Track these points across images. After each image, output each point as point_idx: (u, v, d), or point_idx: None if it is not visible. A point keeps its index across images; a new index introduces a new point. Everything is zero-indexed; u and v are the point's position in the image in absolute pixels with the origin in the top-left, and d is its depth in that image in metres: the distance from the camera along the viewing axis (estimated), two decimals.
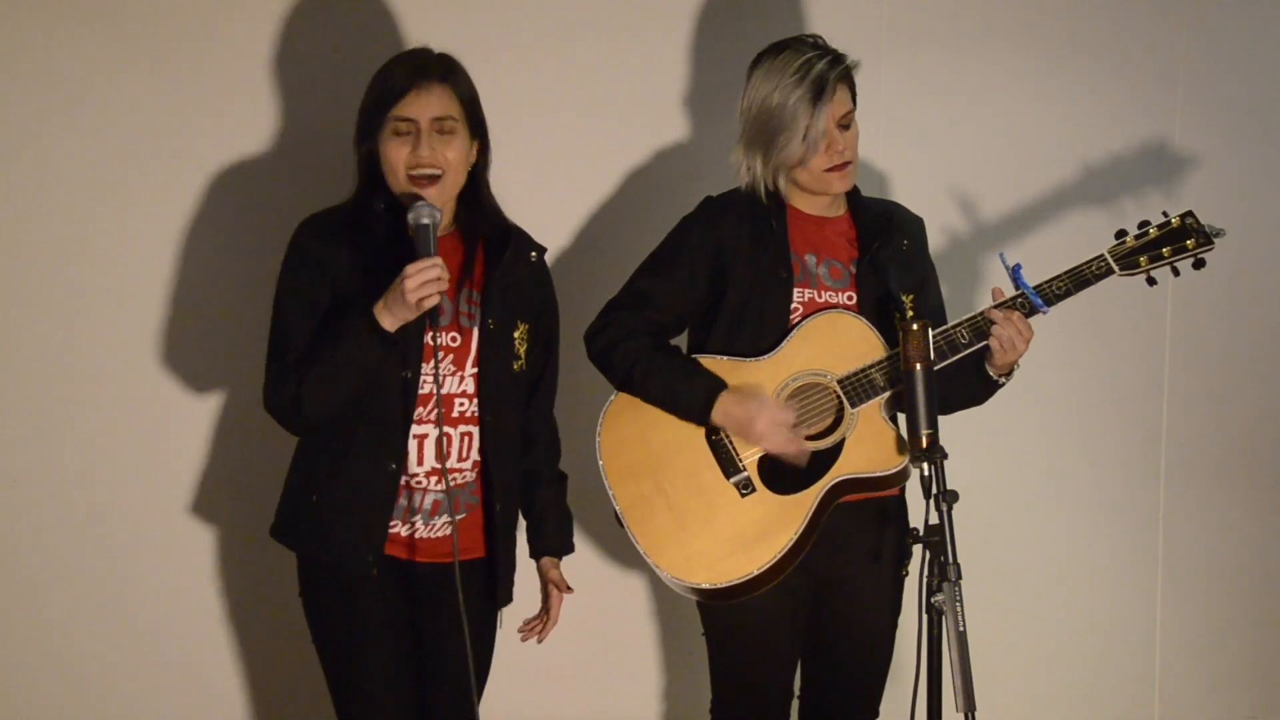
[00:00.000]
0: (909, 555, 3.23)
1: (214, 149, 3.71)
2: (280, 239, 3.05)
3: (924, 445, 2.84)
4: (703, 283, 3.21)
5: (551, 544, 3.21)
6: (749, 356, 3.18)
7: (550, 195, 3.76)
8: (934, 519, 2.79)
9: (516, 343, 3.09)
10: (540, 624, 3.21)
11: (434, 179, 2.96)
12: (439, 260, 2.85)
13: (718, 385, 3.13)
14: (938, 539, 2.78)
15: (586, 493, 3.31)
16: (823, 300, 3.20)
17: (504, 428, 3.08)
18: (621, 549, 3.68)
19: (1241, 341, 4.21)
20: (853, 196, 3.29)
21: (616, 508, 3.18)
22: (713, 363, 3.18)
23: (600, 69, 3.86)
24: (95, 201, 3.66)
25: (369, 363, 2.89)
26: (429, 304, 2.84)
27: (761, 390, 3.13)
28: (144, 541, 3.72)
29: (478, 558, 3.08)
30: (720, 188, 3.30)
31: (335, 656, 3.02)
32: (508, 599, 3.13)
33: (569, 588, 3.19)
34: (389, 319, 2.85)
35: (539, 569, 3.21)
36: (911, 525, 2.84)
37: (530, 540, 3.22)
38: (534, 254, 3.14)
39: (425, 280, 2.82)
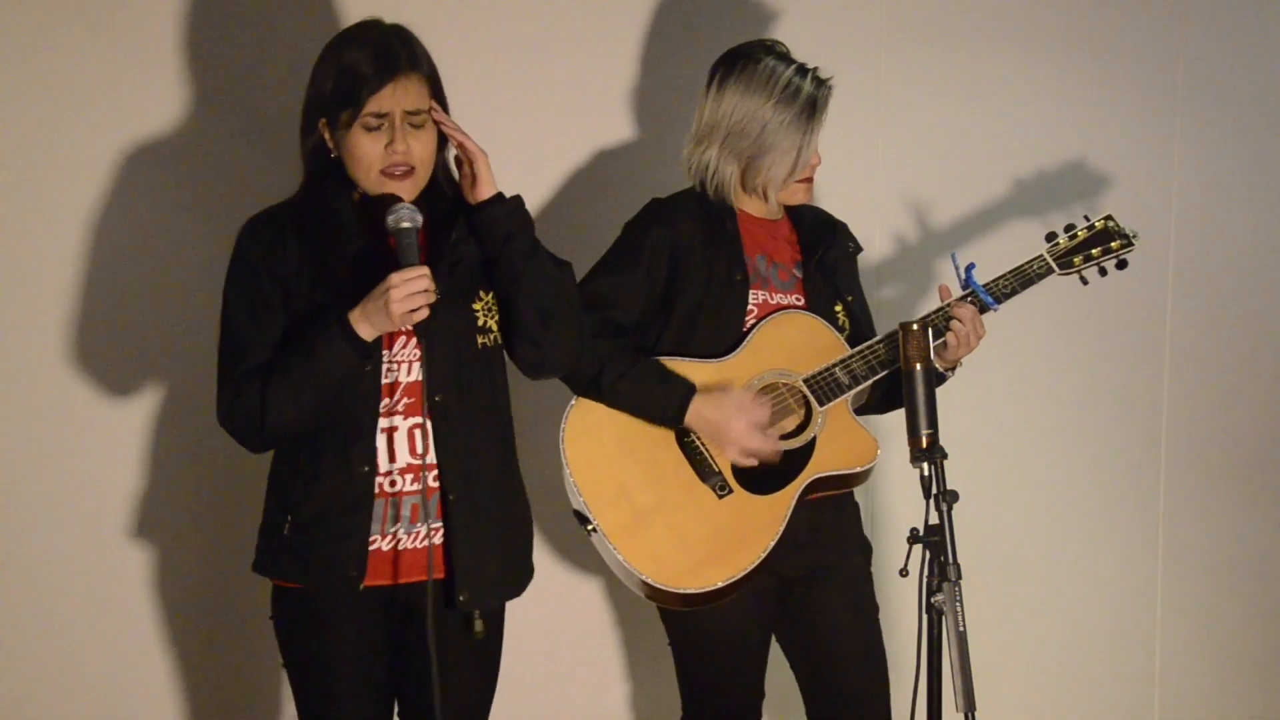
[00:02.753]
0: (870, 548, 3.29)
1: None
2: (214, 228, 2.83)
3: (924, 445, 2.83)
4: (660, 283, 3.17)
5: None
6: (705, 358, 3.15)
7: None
8: (934, 519, 2.79)
9: (480, 314, 2.83)
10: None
11: (408, 172, 2.76)
12: (425, 270, 2.65)
13: (689, 389, 3.10)
14: (938, 539, 2.77)
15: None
16: (775, 302, 3.20)
17: (462, 410, 2.80)
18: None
19: (1241, 342, 4.20)
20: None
21: (589, 515, 3.10)
22: (676, 364, 3.13)
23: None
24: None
25: (345, 373, 2.69)
26: (418, 318, 2.65)
27: (732, 388, 3.12)
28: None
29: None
30: (668, 187, 3.26)
31: (306, 691, 2.82)
32: (473, 606, 2.82)
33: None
34: (367, 328, 2.67)
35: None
36: (911, 525, 2.84)
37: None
38: None
39: (412, 292, 2.63)
